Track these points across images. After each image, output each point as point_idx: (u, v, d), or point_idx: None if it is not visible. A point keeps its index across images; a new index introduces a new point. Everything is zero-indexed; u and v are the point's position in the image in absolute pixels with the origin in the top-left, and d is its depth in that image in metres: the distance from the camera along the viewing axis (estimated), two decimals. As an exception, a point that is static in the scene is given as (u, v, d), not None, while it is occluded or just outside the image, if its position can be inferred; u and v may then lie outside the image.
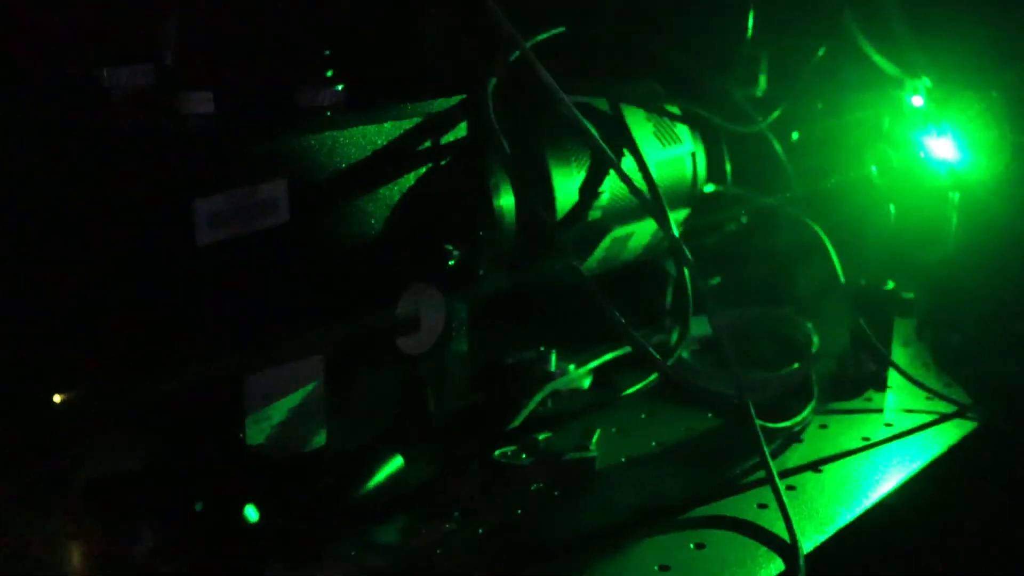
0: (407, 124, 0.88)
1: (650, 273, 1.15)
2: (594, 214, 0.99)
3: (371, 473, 0.85)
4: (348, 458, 0.85)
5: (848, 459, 0.94)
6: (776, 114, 1.13)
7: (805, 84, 1.19)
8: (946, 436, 0.99)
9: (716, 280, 1.21)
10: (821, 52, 1.19)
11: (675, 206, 1.07)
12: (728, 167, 1.13)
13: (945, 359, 1.14)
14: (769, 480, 0.87)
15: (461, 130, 0.92)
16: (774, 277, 1.23)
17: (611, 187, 1.00)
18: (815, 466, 0.93)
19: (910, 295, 1.11)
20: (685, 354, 1.08)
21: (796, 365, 1.05)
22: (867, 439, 0.97)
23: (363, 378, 0.87)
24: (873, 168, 1.08)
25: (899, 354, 1.13)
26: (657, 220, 0.96)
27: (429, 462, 0.89)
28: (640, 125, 1.05)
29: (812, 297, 1.18)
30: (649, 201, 0.96)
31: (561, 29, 1.03)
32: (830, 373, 1.09)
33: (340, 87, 0.87)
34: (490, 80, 0.94)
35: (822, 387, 1.05)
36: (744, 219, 1.22)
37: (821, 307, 1.16)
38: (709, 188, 1.12)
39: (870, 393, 1.06)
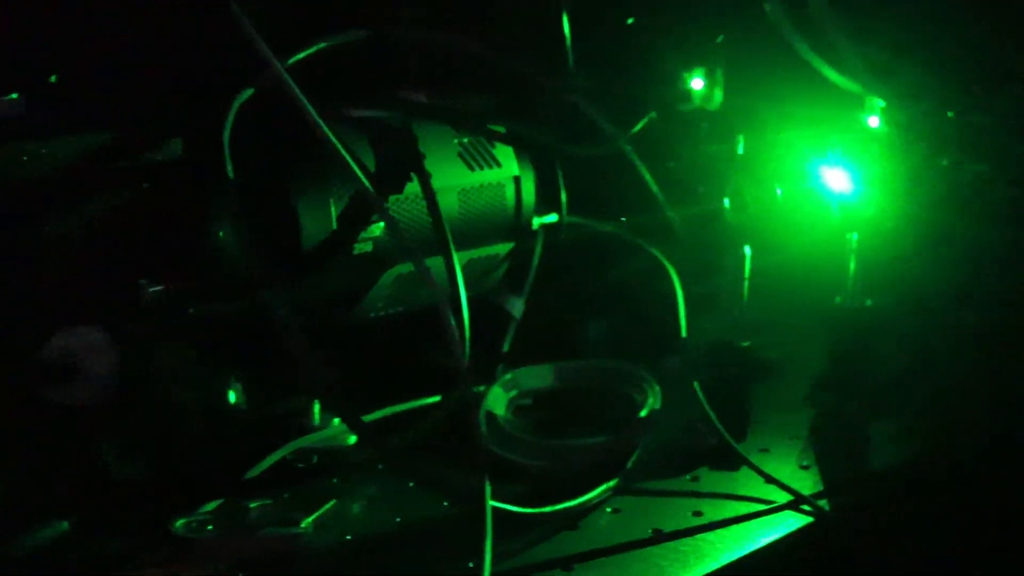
0: (95, 140, 0.77)
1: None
2: (363, 247, 0.86)
3: (23, 539, 0.75)
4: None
5: (613, 558, 0.78)
6: (638, 128, 0.96)
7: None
8: (760, 534, 0.81)
9: (600, 327, 1.06)
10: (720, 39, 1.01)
11: (488, 239, 0.93)
12: (563, 193, 0.97)
13: (829, 432, 0.96)
14: (476, 581, 0.72)
15: (176, 148, 0.80)
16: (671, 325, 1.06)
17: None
18: (567, 564, 0.77)
19: (772, 353, 0.93)
20: (499, 410, 0.93)
21: (602, 437, 0.88)
22: (658, 531, 0.81)
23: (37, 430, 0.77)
24: (726, 201, 0.90)
25: (772, 423, 0.95)
26: (413, 260, 0.82)
27: (107, 530, 0.78)
28: (442, 146, 0.91)
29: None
30: (401, 234, 0.82)
31: (361, 35, 0.90)
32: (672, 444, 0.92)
33: (15, 96, 0.76)
34: (239, 95, 0.82)
35: (649, 461, 0.89)
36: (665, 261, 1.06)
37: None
38: (551, 218, 0.97)
39: (701, 471, 0.89)
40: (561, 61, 0.97)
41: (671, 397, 0.93)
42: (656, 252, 0.96)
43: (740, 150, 0.92)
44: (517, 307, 0.99)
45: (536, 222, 0.96)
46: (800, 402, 0.99)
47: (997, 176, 1.07)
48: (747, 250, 0.89)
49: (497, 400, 0.94)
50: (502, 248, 0.94)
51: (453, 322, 0.81)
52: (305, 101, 0.81)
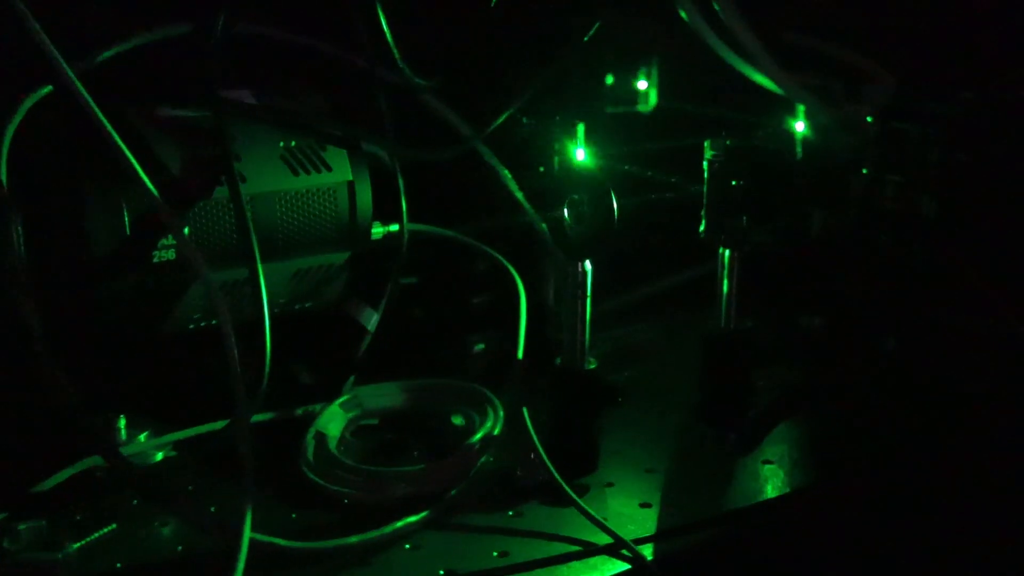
0: None
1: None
2: (164, 255, 0.81)
3: None
4: None
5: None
6: (495, 126, 0.89)
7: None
8: (566, 581, 0.74)
9: (480, 347, 1.00)
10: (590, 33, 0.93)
11: (320, 247, 0.87)
12: (404, 200, 0.91)
13: (690, 467, 0.88)
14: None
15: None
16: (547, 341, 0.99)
17: (197, 225, 0.81)
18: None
19: (618, 378, 0.85)
20: (334, 431, 0.87)
21: (420, 466, 0.82)
22: (451, 572, 0.74)
23: None
24: (564, 212, 0.82)
25: (628, 455, 0.87)
26: (198, 274, 0.77)
27: None
28: (263, 148, 0.85)
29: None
30: (187, 244, 0.77)
31: (181, 30, 0.85)
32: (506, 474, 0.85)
33: None
34: (33, 94, 0.78)
35: (475, 492, 0.82)
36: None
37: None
38: (393, 227, 0.91)
39: (529, 507, 0.82)
40: (425, 59, 0.90)
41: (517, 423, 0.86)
42: (504, 260, 0.89)
43: (582, 159, 0.84)
44: (371, 320, 0.93)
45: (378, 230, 0.90)
46: (669, 432, 0.91)
47: (918, 186, 0.98)
48: (587, 266, 0.82)
49: (333, 420, 0.88)
50: (337, 257, 0.88)
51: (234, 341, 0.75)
52: (90, 99, 0.76)
